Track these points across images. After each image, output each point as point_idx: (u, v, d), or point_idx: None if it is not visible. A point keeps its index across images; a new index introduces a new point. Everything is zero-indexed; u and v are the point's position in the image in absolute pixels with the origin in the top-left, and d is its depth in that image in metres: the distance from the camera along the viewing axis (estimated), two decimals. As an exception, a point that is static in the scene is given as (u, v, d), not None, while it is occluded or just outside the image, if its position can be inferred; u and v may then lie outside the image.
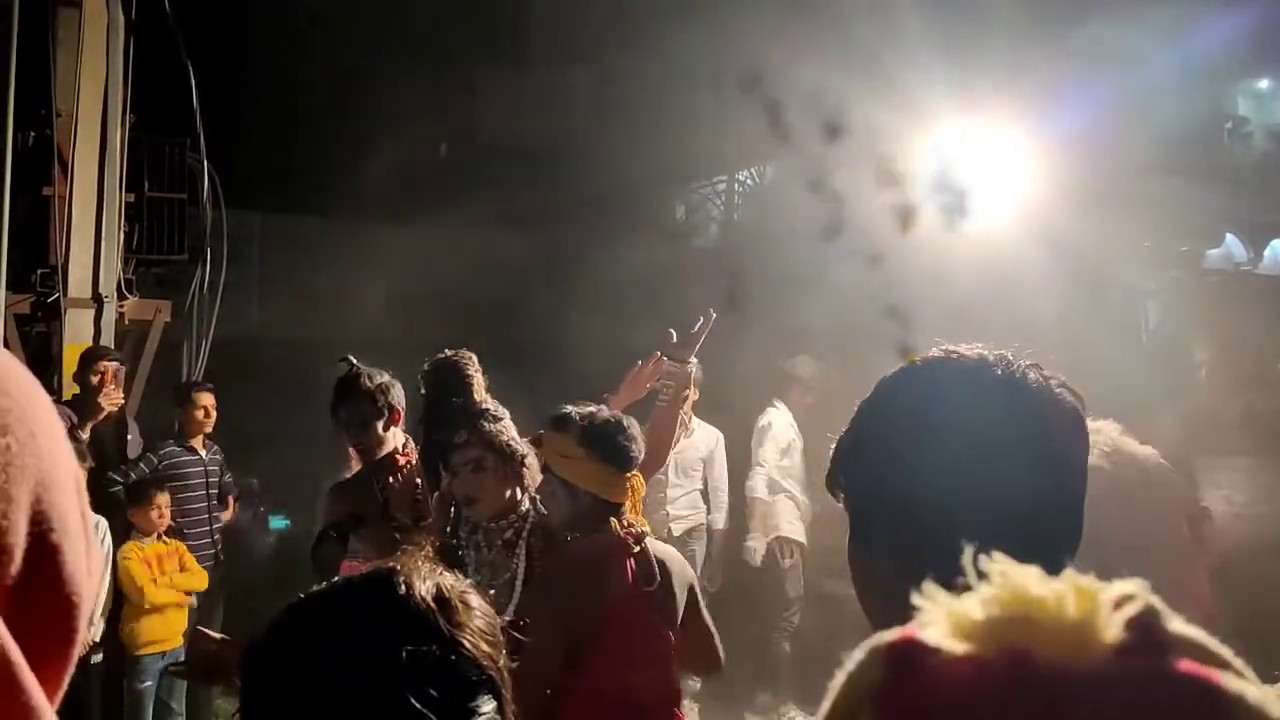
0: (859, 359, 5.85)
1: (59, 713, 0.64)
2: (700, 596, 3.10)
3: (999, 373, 1.17)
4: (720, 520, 6.66)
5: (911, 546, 1.15)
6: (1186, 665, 0.54)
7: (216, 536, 5.99)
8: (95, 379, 5.48)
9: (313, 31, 8.69)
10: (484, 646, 1.11)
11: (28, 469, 0.63)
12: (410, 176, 8.78)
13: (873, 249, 6.27)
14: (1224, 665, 0.55)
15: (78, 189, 6.15)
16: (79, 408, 5.43)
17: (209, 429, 5.96)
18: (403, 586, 1.12)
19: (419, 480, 3.83)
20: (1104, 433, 2.21)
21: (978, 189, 6.62)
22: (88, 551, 0.67)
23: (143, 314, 6.67)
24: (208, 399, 5.93)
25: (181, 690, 5.52)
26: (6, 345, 3.53)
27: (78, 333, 6.14)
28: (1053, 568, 1.16)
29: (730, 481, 6.72)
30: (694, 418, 6.38)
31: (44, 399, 0.68)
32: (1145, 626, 0.54)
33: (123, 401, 5.74)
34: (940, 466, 1.13)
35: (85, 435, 5.29)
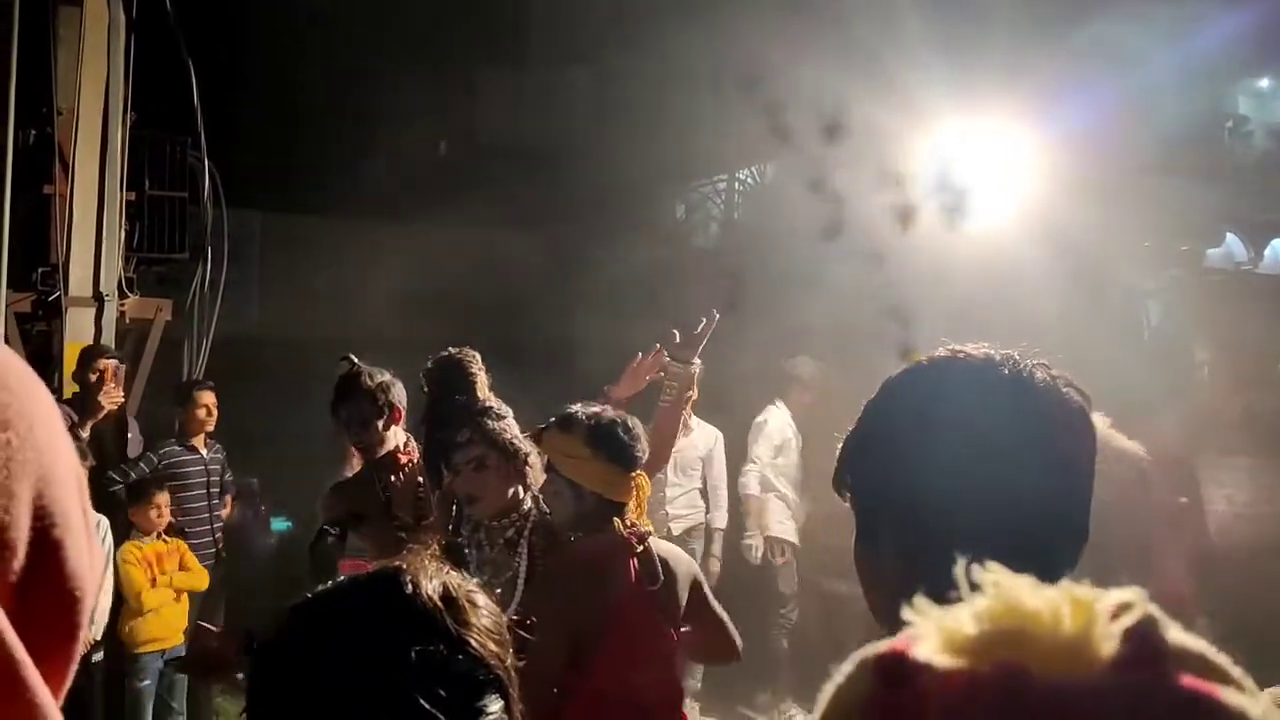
0: (859, 358, 5.86)
1: (62, 710, 0.64)
2: (707, 588, 3.11)
3: (1005, 372, 1.16)
4: (719, 519, 6.66)
5: (916, 546, 1.15)
6: (1186, 680, 0.52)
7: (217, 535, 5.99)
8: (94, 377, 5.48)
9: (313, 31, 8.69)
10: (491, 646, 1.11)
11: (29, 464, 0.62)
12: (410, 176, 8.78)
13: (873, 248, 6.27)
14: (1225, 678, 0.53)
15: (78, 187, 6.15)
16: (79, 406, 5.43)
17: (210, 428, 5.95)
18: (409, 585, 1.11)
19: (421, 479, 3.83)
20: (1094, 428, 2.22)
21: (978, 188, 6.62)
22: (89, 547, 0.67)
23: (143, 312, 6.67)
24: (209, 398, 5.93)
25: (182, 689, 5.53)
26: (7, 344, 3.53)
27: (78, 331, 6.14)
28: (1057, 568, 1.16)
29: (729, 480, 6.73)
30: (693, 417, 6.39)
31: (44, 394, 0.67)
32: (1142, 637, 0.52)
33: (123, 400, 5.74)
34: (943, 467, 1.13)
35: (85, 434, 5.29)
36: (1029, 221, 6.51)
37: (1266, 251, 8.20)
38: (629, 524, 2.93)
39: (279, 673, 1.14)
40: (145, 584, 5.31)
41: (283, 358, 7.63)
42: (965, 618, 0.53)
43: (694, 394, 3.52)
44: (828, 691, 0.60)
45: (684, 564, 3.04)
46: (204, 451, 5.94)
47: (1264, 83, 8.87)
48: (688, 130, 8.18)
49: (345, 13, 8.68)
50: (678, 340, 3.54)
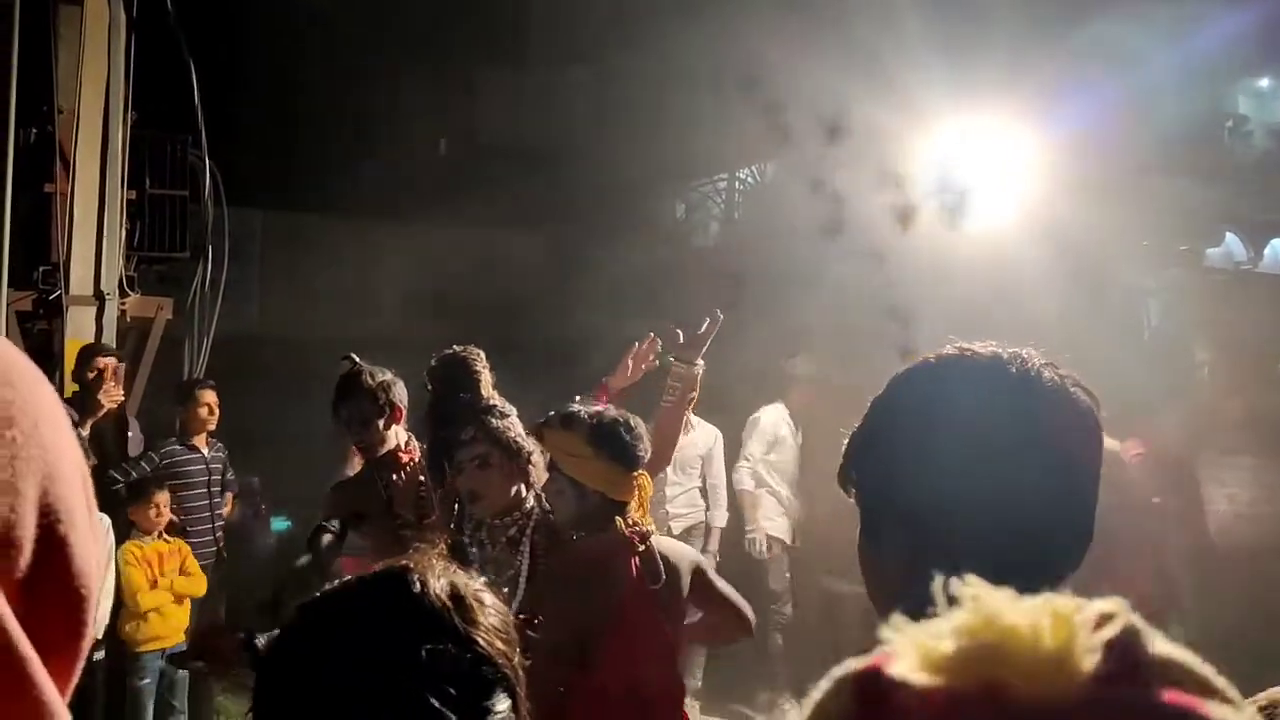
0: (859, 357, 5.86)
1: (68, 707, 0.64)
2: (711, 572, 3.12)
3: (1013, 371, 1.16)
4: (719, 518, 6.67)
5: (918, 544, 1.15)
6: (1169, 694, 0.51)
7: (219, 534, 5.99)
8: (92, 375, 5.48)
9: (314, 30, 8.69)
10: (499, 644, 1.11)
11: (34, 461, 0.62)
12: (411, 175, 8.79)
13: (873, 248, 6.28)
14: (1210, 690, 0.52)
15: (79, 186, 6.15)
16: (79, 405, 5.43)
17: (212, 426, 5.95)
18: (417, 584, 1.11)
19: (422, 477, 3.84)
20: None
21: (978, 188, 6.63)
22: (95, 544, 0.67)
23: (144, 311, 6.67)
24: (210, 396, 5.93)
25: (184, 688, 5.52)
26: (10, 343, 3.52)
27: (79, 330, 6.13)
28: (1059, 569, 1.17)
29: (726, 478, 6.74)
30: (693, 415, 6.39)
31: (48, 390, 0.67)
32: (1125, 650, 0.51)
33: (123, 398, 5.73)
34: (945, 465, 1.13)
35: (86, 432, 5.29)
36: (1029, 221, 6.51)
37: (1266, 251, 8.20)
38: (631, 523, 2.94)
39: (287, 672, 1.14)
40: (144, 585, 5.30)
41: (283, 356, 7.63)
42: (943, 634, 0.52)
43: (696, 394, 3.52)
44: (807, 708, 0.59)
45: (685, 557, 3.05)
46: (205, 451, 5.94)
47: (1264, 82, 8.87)
48: (688, 130, 8.19)
49: (346, 12, 8.68)
50: (681, 340, 3.54)
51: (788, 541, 6.85)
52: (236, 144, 7.45)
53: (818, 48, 6.30)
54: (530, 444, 3.08)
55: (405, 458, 3.92)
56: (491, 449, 3.04)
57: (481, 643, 1.09)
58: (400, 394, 3.95)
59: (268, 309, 8.65)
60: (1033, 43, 6.24)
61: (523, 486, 3.10)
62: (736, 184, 10.27)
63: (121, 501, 5.44)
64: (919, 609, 1.14)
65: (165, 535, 5.49)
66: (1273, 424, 6.26)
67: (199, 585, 5.55)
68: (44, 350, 6.03)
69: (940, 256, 6.25)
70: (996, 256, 6.25)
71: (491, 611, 1.13)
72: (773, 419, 6.86)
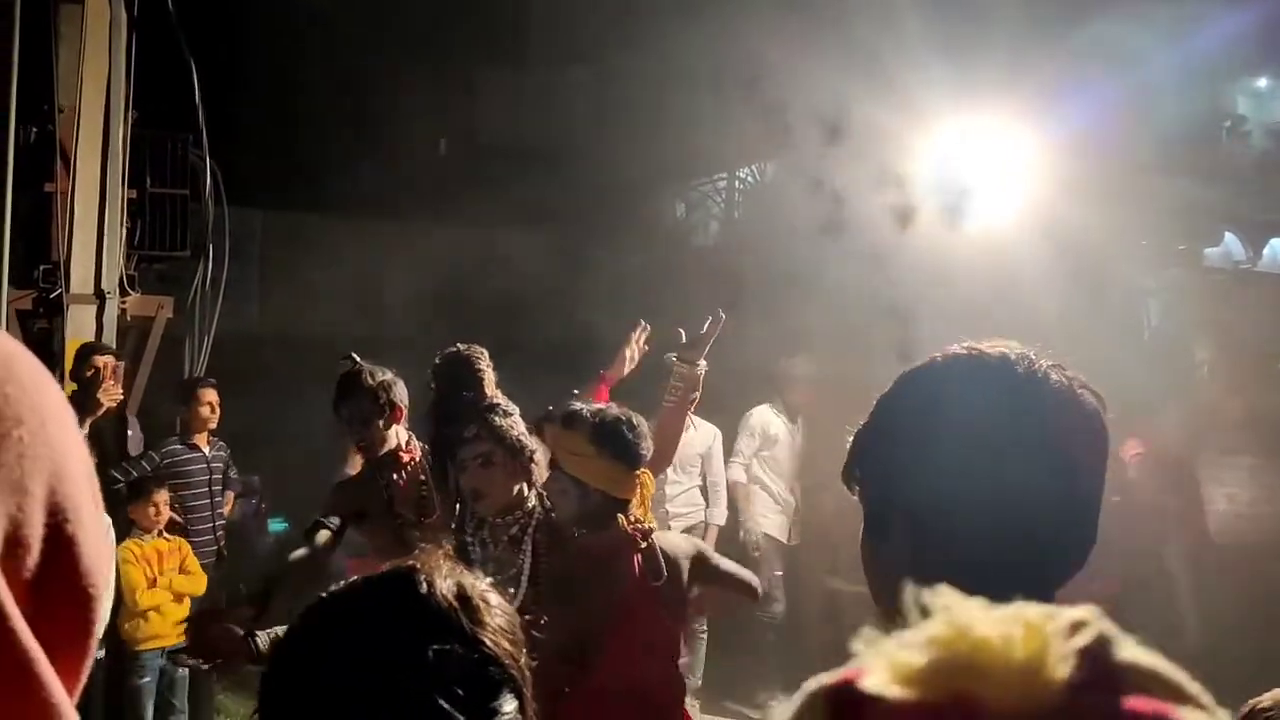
0: (859, 357, 5.87)
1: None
2: (709, 552, 3.15)
3: (1019, 372, 1.16)
4: (718, 515, 6.67)
5: (920, 545, 1.16)
6: (1140, 701, 0.51)
7: (219, 534, 5.98)
8: (90, 373, 5.47)
9: (314, 30, 8.68)
10: (505, 645, 1.11)
11: (41, 460, 0.62)
12: (410, 175, 8.78)
13: (873, 248, 6.28)
14: (1181, 696, 0.52)
15: (80, 185, 6.14)
16: (77, 404, 5.42)
17: (213, 425, 5.94)
18: (424, 585, 1.11)
19: (423, 477, 3.84)
20: None
21: (978, 188, 6.63)
22: (102, 542, 0.66)
23: (145, 310, 6.66)
24: (212, 395, 5.93)
25: (184, 687, 5.52)
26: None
27: (80, 329, 6.13)
28: (1063, 570, 1.17)
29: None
30: (693, 415, 6.39)
31: (55, 388, 0.66)
32: (1096, 658, 0.51)
33: (121, 397, 5.73)
34: (946, 466, 1.13)
35: (85, 431, 5.28)
36: (1029, 220, 6.52)
37: (1265, 251, 8.21)
38: (633, 520, 2.95)
39: (292, 672, 1.13)
40: (142, 583, 5.30)
41: (283, 356, 7.62)
42: (915, 646, 0.52)
43: (698, 395, 3.53)
44: None
45: (683, 548, 3.06)
46: (206, 450, 5.93)
47: (1262, 82, 8.88)
48: (688, 129, 8.19)
49: (346, 12, 8.68)
50: (683, 340, 3.55)
51: (783, 539, 6.85)
52: (237, 143, 7.45)
53: (817, 47, 6.30)
54: (533, 443, 3.09)
55: (406, 457, 3.92)
56: (495, 447, 3.05)
57: (488, 643, 1.09)
58: (400, 393, 3.95)
59: (268, 308, 8.64)
60: (1032, 43, 6.25)
61: (525, 485, 3.10)
62: (736, 184, 10.27)
63: (122, 500, 5.44)
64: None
65: (165, 534, 5.49)
66: (1272, 424, 6.27)
67: (199, 584, 5.54)
68: (44, 349, 6.02)
69: (940, 256, 6.25)
70: (996, 256, 6.25)
71: (498, 612, 1.13)
72: (762, 417, 6.88)
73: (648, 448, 2.99)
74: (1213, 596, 5.63)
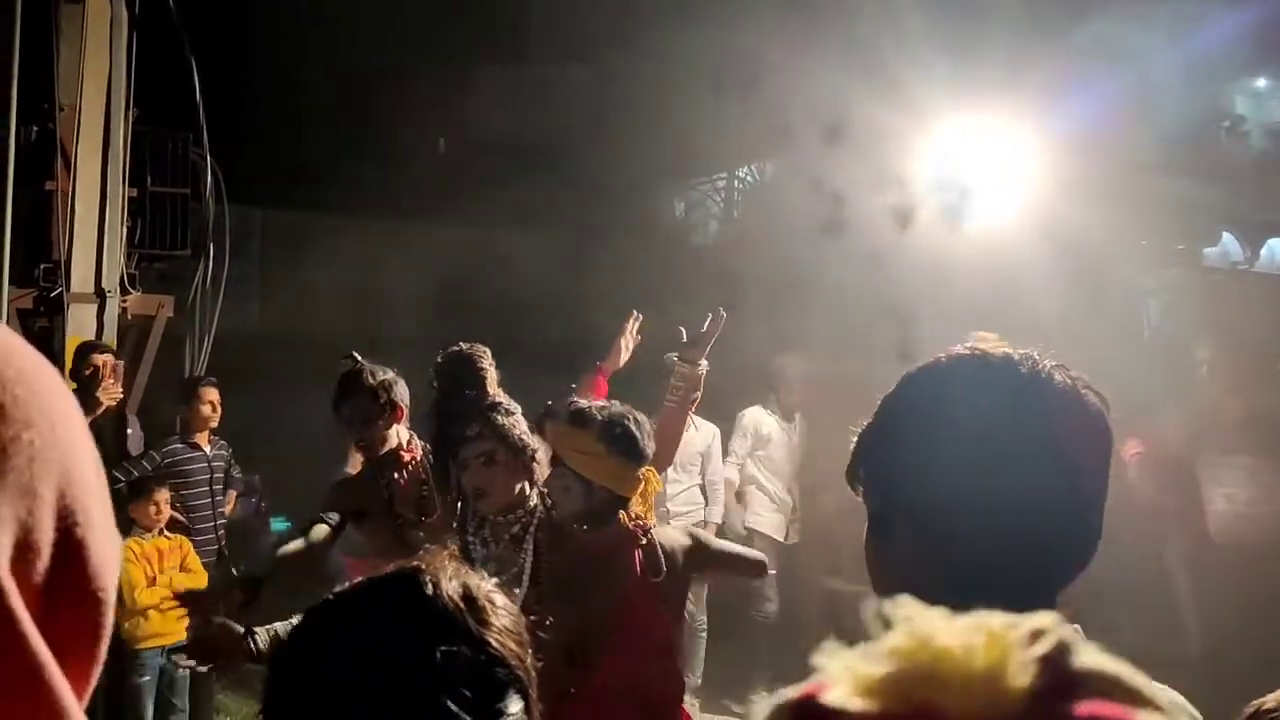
0: (859, 357, 5.88)
1: None
2: (707, 538, 3.13)
3: (1023, 372, 1.15)
4: (716, 514, 6.68)
5: (925, 543, 1.16)
6: (1100, 707, 0.50)
7: (220, 533, 5.98)
8: (89, 372, 5.47)
9: (315, 28, 8.69)
10: (511, 646, 1.11)
11: (51, 463, 0.61)
12: (410, 174, 8.79)
13: (873, 247, 6.29)
14: (1141, 701, 0.52)
15: (80, 184, 6.13)
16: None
17: (214, 424, 5.94)
18: (429, 586, 1.11)
19: (424, 476, 3.84)
20: None
21: (978, 188, 6.63)
22: (111, 546, 0.66)
23: (145, 309, 6.66)
24: (213, 394, 5.92)
25: (184, 686, 5.52)
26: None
27: (80, 328, 6.12)
28: (1066, 570, 1.17)
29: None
30: (693, 414, 6.39)
31: (64, 389, 0.66)
32: (1057, 665, 0.51)
33: (121, 395, 5.73)
34: (949, 467, 1.14)
35: (85, 430, 5.27)
36: (1029, 220, 6.52)
37: (1263, 251, 8.22)
38: (633, 516, 2.96)
39: (297, 673, 1.13)
40: (142, 581, 5.29)
41: (284, 355, 7.62)
42: (876, 658, 0.52)
43: (699, 394, 3.53)
44: None
45: (679, 540, 3.06)
46: (207, 449, 5.93)
47: (1261, 82, 8.88)
48: (687, 129, 8.19)
49: (347, 11, 8.68)
50: (684, 340, 3.55)
51: (779, 538, 6.85)
52: (237, 142, 7.44)
53: (817, 47, 6.30)
54: (535, 442, 3.09)
55: (407, 457, 3.92)
56: (497, 446, 3.05)
57: (494, 644, 1.09)
58: (401, 393, 3.95)
59: (268, 307, 8.64)
60: (1032, 43, 6.25)
61: (527, 484, 3.11)
62: (736, 183, 10.27)
63: (123, 500, 5.44)
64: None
65: (167, 532, 5.49)
66: (1272, 424, 6.27)
67: (199, 582, 5.53)
68: (45, 348, 5.99)
69: (939, 256, 6.25)
70: (996, 256, 6.26)
71: (503, 612, 1.13)
72: (754, 417, 6.88)
73: (652, 445, 3.00)
74: (1213, 597, 5.63)
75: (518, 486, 3.08)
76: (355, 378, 3.90)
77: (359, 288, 8.31)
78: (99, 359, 5.53)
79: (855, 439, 1.25)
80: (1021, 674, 0.50)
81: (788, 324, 6.99)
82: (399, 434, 3.96)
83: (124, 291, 6.45)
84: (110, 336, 6.18)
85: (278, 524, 7.61)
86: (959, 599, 1.04)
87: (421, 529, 3.71)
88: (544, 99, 9.83)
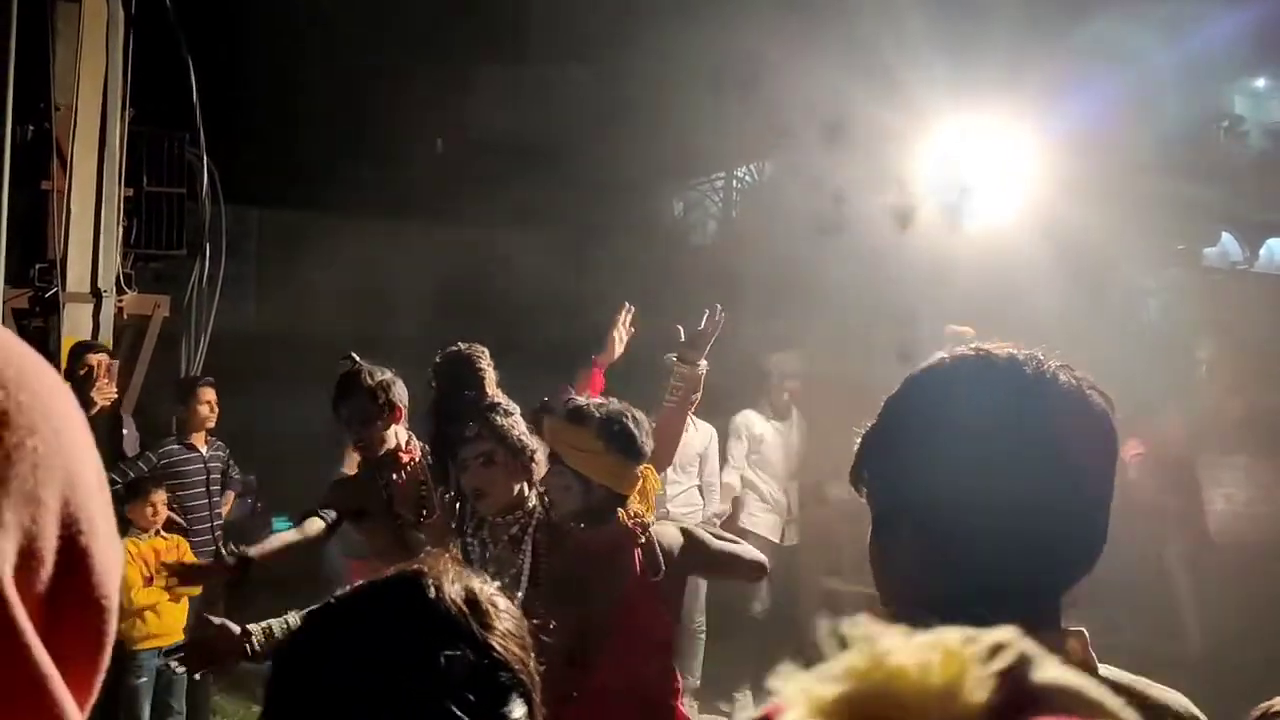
0: (858, 356, 5.87)
1: None
2: (703, 535, 3.12)
3: (1028, 373, 1.15)
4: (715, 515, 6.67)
5: (927, 546, 1.15)
6: None
7: (218, 533, 5.96)
8: (84, 372, 5.46)
9: (312, 28, 8.67)
10: (515, 649, 1.10)
11: (55, 470, 0.60)
12: (408, 173, 8.77)
13: (872, 247, 6.29)
14: (1101, 714, 0.52)
15: (76, 183, 6.12)
16: (73, 403, 5.39)
17: (211, 424, 5.93)
18: (432, 589, 1.10)
19: (423, 477, 3.83)
20: None
21: (978, 187, 6.63)
22: (114, 552, 0.65)
23: (141, 309, 6.65)
24: (210, 394, 5.91)
25: (181, 687, 5.50)
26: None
27: (76, 328, 6.11)
28: (1071, 571, 1.16)
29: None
30: (691, 414, 6.38)
31: (65, 392, 0.65)
32: (1017, 680, 0.50)
33: (115, 395, 5.72)
34: (952, 468, 1.13)
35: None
36: (1029, 219, 6.52)
37: (1261, 251, 8.23)
38: (632, 514, 2.95)
39: (299, 677, 1.12)
40: (138, 581, 5.28)
41: (280, 355, 7.61)
42: (832, 678, 0.51)
43: (699, 395, 3.52)
44: None
45: (676, 538, 3.04)
46: (204, 449, 5.91)
47: (1260, 83, 8.90)
48: (686, 128, 8.19)
49: (344, 10, 8.67)
50: (682, 339, 3.54)
51: (774, 539, 6.83)
52: (234, 141, 7.43)
53: (817, 46, 6.30)
54: (534, 442, 3.08)
55: (405, 457, 3.91)
56: (496, 446, 3.04)
57: (498, 648, 1.08)
58: (400, 393, 3.93)
59: (265, 307, 8.62)
60: (1032, 42, 6.25)
61: (525, 485, 3.10)
62: (734, 183, 10.27)
63: (119, 501, 5.43)
64: (929, 614, 1.13)
65: (164, 533, 5.47)
66: (1271, 424, 6.28)
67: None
68: (40, 348, 5.97)
69: (939, 256, 6.25)
70: (996, 256, 6.26)
71: (506, 616, 1.12)
72: (746, 419, 6.87)
73: (651, 442, 2.99)
74: (1213, 597, 5.63)
75: (516, 487, 3.07)
76: (354, 378, 3.89)
77: (356, 288, 8.30)
78: (93, 359, 5.52)
79: (859, 440, 1.24)
80: (978, 690, 0.49)
81: (786, 324, 6.98)
82: (398, 434, 3.95)
83: (120, 291, 6.44)
84: (106, 336, 6.17)
85: (280, 524, 7.60)
86: (962, 600, 1.03)
87: (420, 530, 3.70)
88: (543, 99, 9.82)
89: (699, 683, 6.33)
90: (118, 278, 6.40)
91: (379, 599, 1.14)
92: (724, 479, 6.71)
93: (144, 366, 6.54)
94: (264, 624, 2.85)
